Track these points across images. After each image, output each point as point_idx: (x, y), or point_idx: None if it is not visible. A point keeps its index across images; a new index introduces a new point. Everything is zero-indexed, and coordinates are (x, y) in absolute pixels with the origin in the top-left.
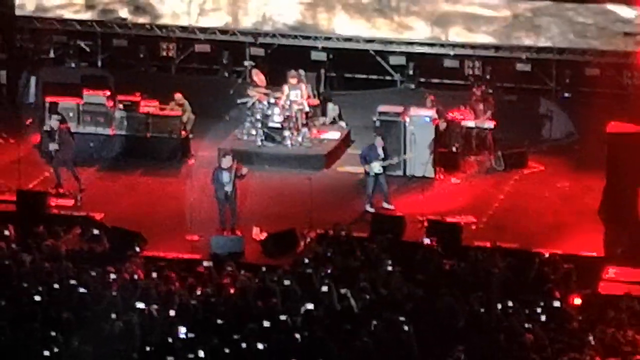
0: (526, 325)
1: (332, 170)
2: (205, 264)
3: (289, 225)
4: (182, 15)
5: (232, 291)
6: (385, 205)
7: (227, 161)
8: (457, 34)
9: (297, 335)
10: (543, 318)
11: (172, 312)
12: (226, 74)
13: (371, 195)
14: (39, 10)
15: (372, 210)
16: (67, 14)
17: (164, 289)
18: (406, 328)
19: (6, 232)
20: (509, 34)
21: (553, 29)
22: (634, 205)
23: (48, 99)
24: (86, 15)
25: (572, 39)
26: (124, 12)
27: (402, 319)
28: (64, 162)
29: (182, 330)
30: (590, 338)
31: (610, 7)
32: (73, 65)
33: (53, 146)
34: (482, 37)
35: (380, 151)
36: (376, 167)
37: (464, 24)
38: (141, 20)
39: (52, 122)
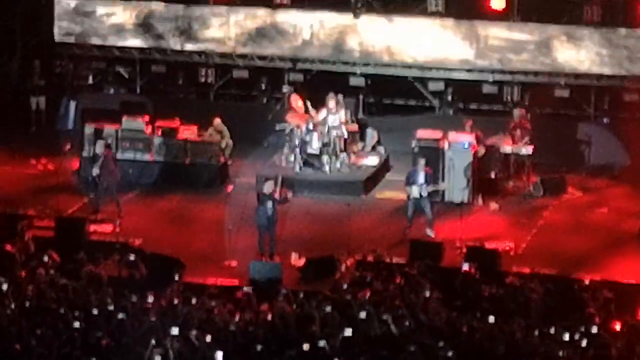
0: (565, 352)
1: (370, 196)
2: (245, 289)
3: (327, 251)
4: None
5: (270, 317)
6: (428, 232)
7: (269, 186)
8: (497, 60)
9: None
10: (583, 344)
11: (210, 338)
12: (264, 100)
13: (410, 218)
14: (84, 36)
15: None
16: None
17: (203, 315)
18: (445, 354)
19: (45, 258)
20: (548, 59)
21: (592, 55)
22: None
23: (88, 125)
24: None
25: (611, 65)
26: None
27: (440, 344)
28: (106, 189)
29: (219, 355)
30: None
31: None
32: (112, 91)
33: (95, 171)
34: (520, 64)
35: (421, 175)
36: (415, 191)
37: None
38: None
39: (98, 148)
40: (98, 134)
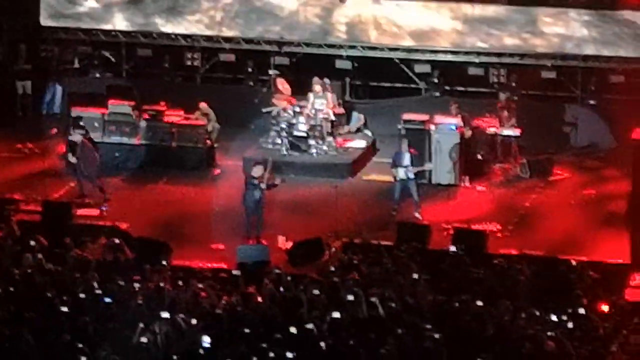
0: (552, 333)
1: (357, 178)
2: (234, 272)
3: (314, 234)
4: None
5: (258, 300)
6: (415, 214)
7: (258, 170)
8: (483, 42)
9: (323, 344)
10: (570, 325)
11: (198, 321)
12: (251, 83)
13: (397, 201)
14: (68, 18)
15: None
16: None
17: (190, 298)
18: (432, 336)
19: (32, 243)
20: (534, 41)
21: (578, 36)
22: None
23: (73, 110)
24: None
25: (597, 46)
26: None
27: (428, 326)
28: (87, 176)
29: (207, 339)
30: (615, 345)
31: (635, 13)
32: (98, 75)
33: (72, 159)
34: (507, 45)
35: (406, 157)
36: (401, 172)
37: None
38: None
39: (75, 137)
40: (76, 123)
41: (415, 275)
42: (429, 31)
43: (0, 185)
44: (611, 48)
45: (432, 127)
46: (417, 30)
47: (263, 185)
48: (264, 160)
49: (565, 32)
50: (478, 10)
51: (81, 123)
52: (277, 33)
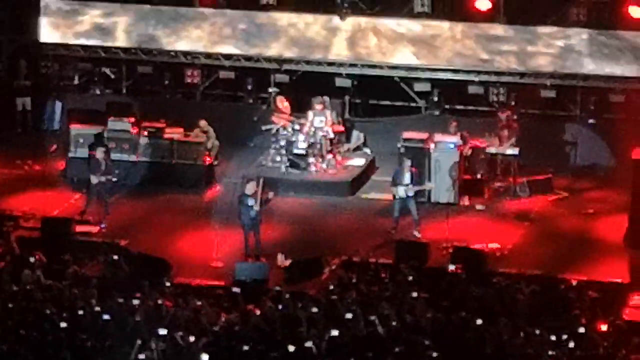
0: (551, 352)
1: (356, 197)
2: (233, 290)
3: (313, 252)
4: None
5: (256, 318)
6: (415, 233)
7: (251, 187)
8: (483, 61)
9: None
10: (570, 345)
11: (196, 339)
12: (250, 101)
13: (396, 219)
14: (69, 37)
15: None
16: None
17: (189, 315)
18: (431, 354)
19: (31, 259)
20: (533, 60)
21: (578, 56)
22: None
23: (73, 126)
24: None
25: (597, 66)
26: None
27: (427, 342)
28: (99, 192)
29: (205, 357)
30: None
31: (635, 33)
32: (98, 92)
33: (96, 179)
34: (506, 64)
35: (406, 176)
36: (401, 191)
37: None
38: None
39: (98, 154)
40: (98, 138)
41: (414, 294)
42: (429, 49)
43: (0, 202)
44: (611, 67)
45: (432, 145)
46: (417, 48)
47: (257, 202)
48: (257, 177)
49: (564, 51)
50: (477, 29)
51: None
52: (277, 51)
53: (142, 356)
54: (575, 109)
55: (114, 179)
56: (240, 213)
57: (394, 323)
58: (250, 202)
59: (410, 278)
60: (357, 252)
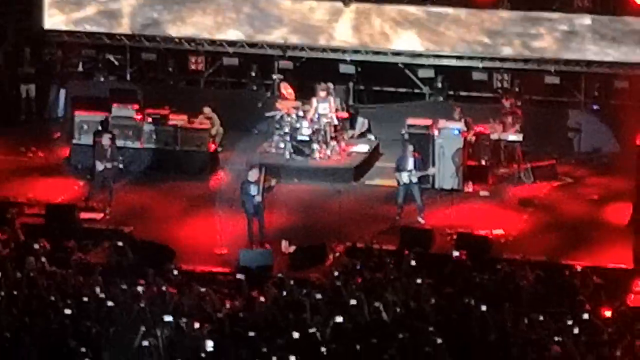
0: (556, 338)
1: (361, 183)
2: (239, 276)
3: (317, 239)
4: None
5: (260, 304)
6: (419, 218)
7: (254, 174)
8: (487, 47)
9: (326, 348)
10: (575, 331)
11: (200, 326)
12: (254, 88)
13: (401, 205)
14: (73, 24)
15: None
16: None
17: (193, 302)
18: (435, 340)
19: (35, 246)
20: (537, 46)
21: (582, 42)
22: None
23: (77, 113)
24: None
25: (601, 52)
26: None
27: (430, 329)
28: (105, 178)
29: (210, 344)
30: (619, 350)
31: (639, 19)
32: (102, 78)
33: (102, 165)
34: (510, 51)
35: (409, 161)
36: (404, 177)
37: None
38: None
39: (104, 140)
40: (104, 125)
41: (418, 280)
42: (433, 35)
43: (4, 189)
44: (615, 53)
45: (436, 131)
46: (421, 34)
47: (259, 192)
48: (259, 163)
49: (568, 37)
50: (481, 15)
51: (109, 126)
52: (280, 37)
53: (146, 343)
54: (579, 95)
55: (120, 166)
56: (243, 200)
57: (398, 309)
58: (253, 189)
59: (414, 264)
60: (362, 239)
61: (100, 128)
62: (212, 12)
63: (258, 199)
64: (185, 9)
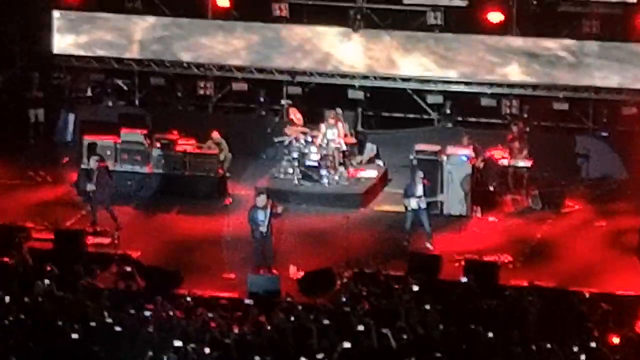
0: None
1: (369, 209)
2: (247, 302)
3: (325, 264)
4: None
5: (268, 330)
6: (428, 245)
7: (262, 200)
8: (495, 73)
9: None
10: (582, 358)
11: (208, 350)
12: (263, 113)
13: (408, 231)
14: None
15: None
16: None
17: (201, 327)
18: None
19: (43, 270)
20: (546, 72)
21: (590, 68)
22: None
23: (86, 138)
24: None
25: (609, 78)
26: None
27: (438, 355)
28: (100, 202)
29: None
30: None
31: None
32: (110, 103)
33: (90, 187)
34: (519, 77)
35: (418, 187)
36: (412, 203)
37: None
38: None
39: (91, 163)
40: (92, 149)
41: (427, 306)
42: (442, 61)
43: (12, 213)
44: (623, 80)
45: (444, 157)
46: (429, 60)
47: (267, 217)
48: (267, 189)
49: (577, 63)
50: (490, 41)
51: (97, 150)
52: (289, 63)
53: None
54: (588, 121)
55: (112, 187)
56: (250, 225)
57: (405, 336)
58: (261, 214)
59: (416, 289)
60: (369, 265)
61: (87, 152)
62: (221, 37)
63: (265, 224)
64: (193, 36)
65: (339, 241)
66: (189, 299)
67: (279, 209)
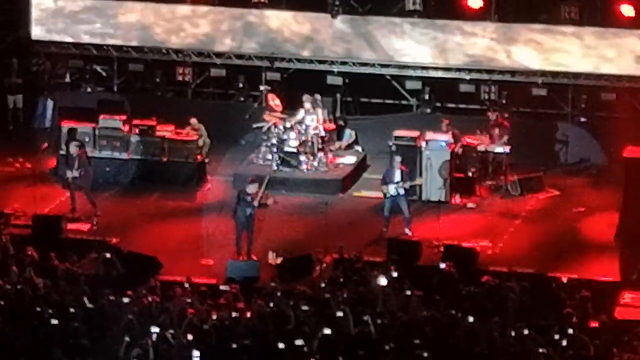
0: (542, 351)
1: (348, 194)
2: (222, 288)
3: (304, 250)
4: None
5: (247, 315)
6: (407, 231)
7: (253, 188)
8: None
9: None
10: (562, 343)
11: (187, 336)
12: (242, 99)
13: (388, 217)
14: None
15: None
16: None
17: (179, 313)
18: (422, 353)
19: (22, 256)
20: (524, 58)
21: (569, 54)
22: None
23: (64, 124)
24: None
25: (588, 64)
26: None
27: (417, 342)
28: (80, 188)
29: (196, 354)
30: None
31: (626, 31)
32: (89, 89)
33: (70, 173)
34: (497, 62)
35: (397, 173)
36: (391, 189)
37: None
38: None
39: (71, 148)
40: (72, 135)
41: (406, 292)
42: (421, 47)
43: None
44: (602, 66)
45: (423, 143)
46: (409, 46)
47: (256, 203)
48: (260, 177)
49: (555, 49)
50: (469, 27)
51: (76, 135)
52: (268, 48)
53: (133, 353)
54: (567, 107)
55: (90, 173)
56: (235, 209)
57: (384, 321)
58: (249, 201)
59: (396, 275)
60: (349, 250)
61: (67, 137)
62: (200, 23)
63: (251, 211)
64: (174, 20)
65: (318, 227)
66: (167, 285)
67: (269, 200)
